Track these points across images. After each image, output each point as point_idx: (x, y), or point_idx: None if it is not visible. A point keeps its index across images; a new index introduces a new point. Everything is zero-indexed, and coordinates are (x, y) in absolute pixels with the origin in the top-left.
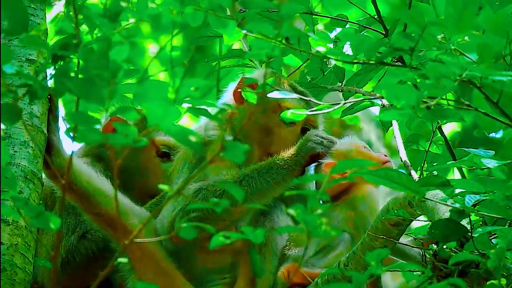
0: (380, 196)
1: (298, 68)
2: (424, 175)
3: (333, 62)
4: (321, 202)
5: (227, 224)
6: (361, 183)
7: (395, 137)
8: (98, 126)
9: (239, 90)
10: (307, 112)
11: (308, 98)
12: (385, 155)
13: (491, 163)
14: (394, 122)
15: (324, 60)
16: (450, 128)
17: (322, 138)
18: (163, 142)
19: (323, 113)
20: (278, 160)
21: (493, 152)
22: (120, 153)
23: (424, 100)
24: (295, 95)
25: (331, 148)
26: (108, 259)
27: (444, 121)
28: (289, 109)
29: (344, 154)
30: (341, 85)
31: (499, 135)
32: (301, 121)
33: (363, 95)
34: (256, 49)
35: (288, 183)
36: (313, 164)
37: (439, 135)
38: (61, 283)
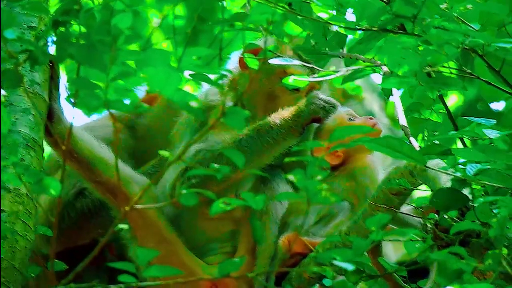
0: (379, 166)
1: (300, 34)
2: (424, 144)
3: (335, 28)
4: (321, 169)
5: (227, 185)
6: (359, 152)
7: (396, 105)
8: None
9: (243, 56)
10: (308, 79)
11: (311, 65)
12: (371, 118)
13: (493, 134)
14: (395, 90)
15: (326, 25)
16: (453, 101)
17: (325, 102)
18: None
19: (325, 79)
20: (278, 120)
21: (494, 121)
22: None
23: (426, 67)
24: (297, 61)
25: (332, 112)
26: (103, 218)
27: (446, 89)
28: (293, 75)
29: (329, 130)
30: (343, 51)
31: (501, 106)
32: (306, 88)
33: (364, 62)
34: (257, 14)
35: (288, 143)
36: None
37: (441, 104)
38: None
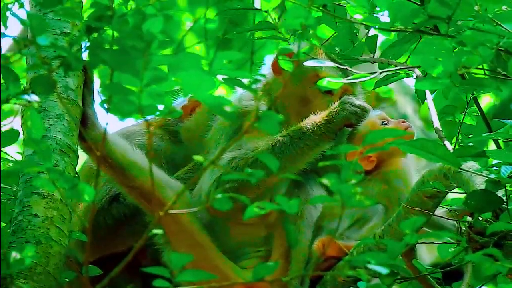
0: (412, 170)
1: (331, 37)
2: (458, 146)
3: (363, 33)
4: (355, 172)
5: (261, 192)
6: (392, 157)
7: (429, 108)
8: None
9: (276, 60)
10: (342, 80)
11: (345, 67)
12: (403, 121)
13: None
14: (428, 93)
15: (354, 31)
16: (486, 101)
17: (357, 107)
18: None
19: (358, 81)
20: (310, 126)
21: None
22: None
23: (460, 69)
24: (332, 64)
25: (364, 117)
26: (138, 225)
27: (481, 91)
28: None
29: (362, 134)
30: (373, 56)
31: None
32: (339, 91)
33: (395, 66)
34: (290, 19)
35: (321, 149)
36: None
37: (474, 106)
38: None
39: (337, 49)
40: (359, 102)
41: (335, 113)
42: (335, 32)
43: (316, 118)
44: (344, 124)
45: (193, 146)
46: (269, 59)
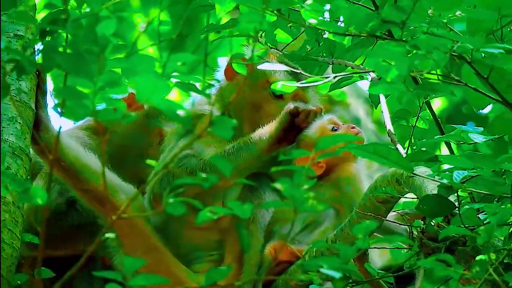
0: (364, 175)
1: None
2: (411, 151)
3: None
4: (307, 178)
5: (214, 194)
6: (343, 162)
7: (383, 112)
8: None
9: (229, 66)
10: (295, 84)
11: (298, 71)
12: (353, 127)
13: (478, 138)
14: (382, 97)
15: (320, 31)
16: (438, 105)
17: (299, 104)
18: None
19: (311, 85)
20: (262, 130)
21: (481, 129)
22: None
23: (414, 73)
24: (284, 67)
25: (309, 108)
26: (94, 228)
27: (434, 95)
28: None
29: (312, 140)
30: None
31: (487, 110)
32: (290, 96)
33: (353, 68)
34: (245, 23)
35: (273, 149)
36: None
37: (427, 110)
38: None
39: (308, 47)
40: (302, 104)
41: (281, 114)
42: (294, 38)
43: (263, 129)
44: (288, 122)
45: (125, 149)
46: (223, 63)
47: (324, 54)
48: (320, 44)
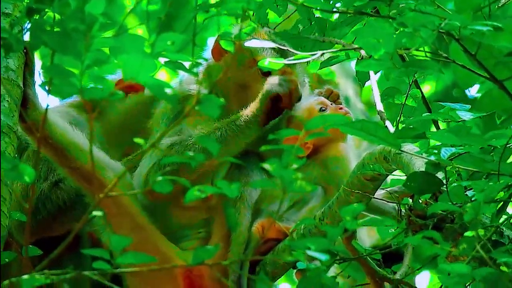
0: (352, 154)
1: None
2: (400, 127)
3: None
4: (296, 157)
5: (202, 175)
6: (331, 142)
7: (372, 90)
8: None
9: (216, 45)
10: (282, 61)
11: (285, 48)
12: (341, 107)
13: (466, 116)
14: (372, 74)
15: (311, 10)
16: (428, 88)
17: (280, 80)
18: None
19: (299, 62)
20: (245, 111)
21: (469, 106)
22: None
23: (401, 51)
24: (271, 44)
25: (290, 89)
26: (79, 210)
27: (422, 73)
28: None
29: (300, 120)
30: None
31: (475, 90)
32: (278, 73)
33: (343, 46)
34: (233, 2)
35: (254, 131)
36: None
37: (416, 89)
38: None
39: (300, 26)
40: (284, 77)
41: (261, 93)
42: (290, 15)
43: (248, 109)
44: (270, 97)
45: (119, 130)
46: (211, 42)
47: (317, 34)
48: (312, 23)
